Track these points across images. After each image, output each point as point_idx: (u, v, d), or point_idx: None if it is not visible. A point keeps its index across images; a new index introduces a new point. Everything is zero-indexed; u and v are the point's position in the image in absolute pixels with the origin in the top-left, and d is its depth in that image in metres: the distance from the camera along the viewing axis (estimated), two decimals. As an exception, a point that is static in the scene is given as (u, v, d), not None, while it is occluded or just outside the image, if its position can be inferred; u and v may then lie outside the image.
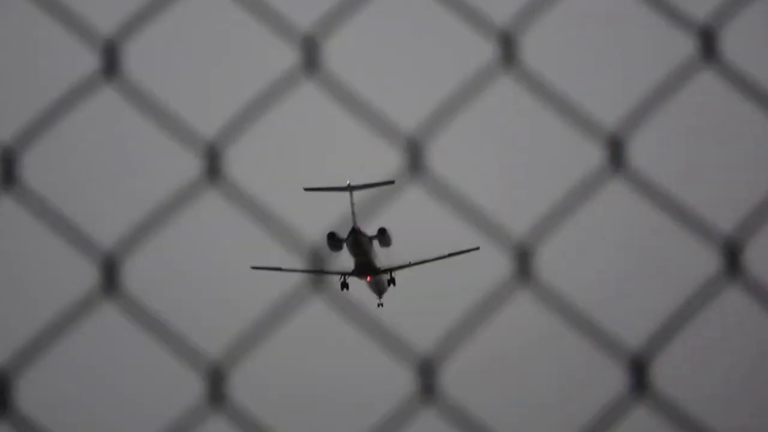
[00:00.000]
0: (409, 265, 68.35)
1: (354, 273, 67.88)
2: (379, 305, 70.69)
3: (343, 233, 64.40)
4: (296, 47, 6.61)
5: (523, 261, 6.47)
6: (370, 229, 64.99)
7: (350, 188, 64.30)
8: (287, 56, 7.33)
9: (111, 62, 6.65)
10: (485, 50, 7.25)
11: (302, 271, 66.67)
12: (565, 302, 6.30)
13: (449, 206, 7.04)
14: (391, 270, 69.11)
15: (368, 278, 69.07)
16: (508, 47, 7.18)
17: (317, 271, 60.33)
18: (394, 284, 69.44)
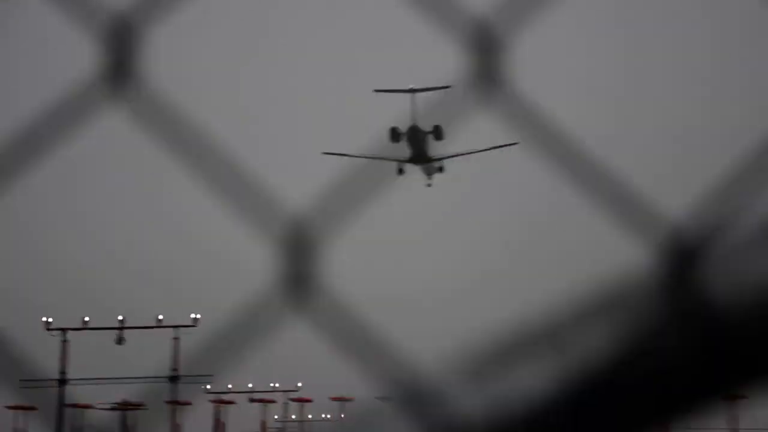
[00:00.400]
0: (456, 155, 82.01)
1: (410, 160, 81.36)
2: (428, 185, 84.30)
3: (403, 126, 78.21)
4: None
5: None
6: (427, 126, 77.97)
7: (412, 90, 78.50)
8: None
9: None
10: None
11: (367, 157, 76.81)
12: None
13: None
14: (441, 159, 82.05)
15: (421, 166, 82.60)
16: None
17: (380, 158, 74.88)
18: (442, 171, 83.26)
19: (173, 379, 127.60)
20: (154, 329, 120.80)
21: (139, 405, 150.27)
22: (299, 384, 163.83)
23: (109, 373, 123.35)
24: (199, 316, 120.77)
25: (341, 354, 4.10)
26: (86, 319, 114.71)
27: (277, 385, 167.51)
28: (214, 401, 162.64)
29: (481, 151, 79.98)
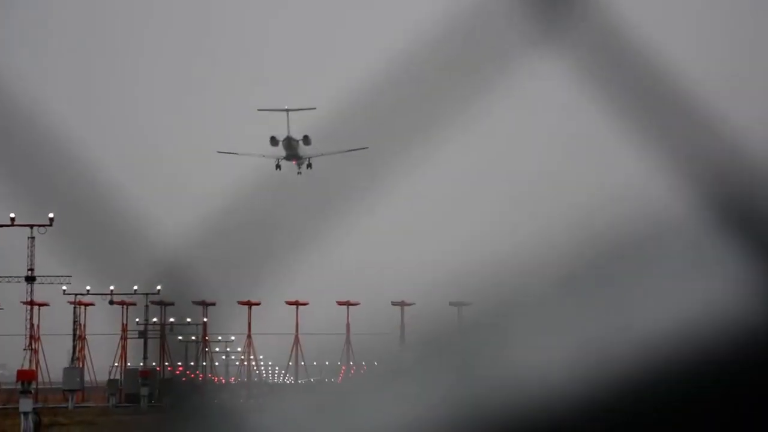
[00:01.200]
0: (321, 155, 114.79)
1: (285, 158, 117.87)
2: (298, 173, 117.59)
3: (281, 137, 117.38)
4: None
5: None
6: (298, 135, 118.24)
7: (287, 110, 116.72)
8: None
9: None
10: None
11: (253, 155, 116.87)
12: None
13: None
14: (309, 158, 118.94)
15: (294, 161, 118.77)
16: None
17: (263, 156, 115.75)
18: (310, 167, 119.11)
19: (29, 279, 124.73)
20: (8, 228, 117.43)
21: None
22: (158, 287, 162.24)
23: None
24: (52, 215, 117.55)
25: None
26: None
27: (136, 288, 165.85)
28: (73, 302, 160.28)
29: (338, 152, 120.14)
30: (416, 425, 3.45)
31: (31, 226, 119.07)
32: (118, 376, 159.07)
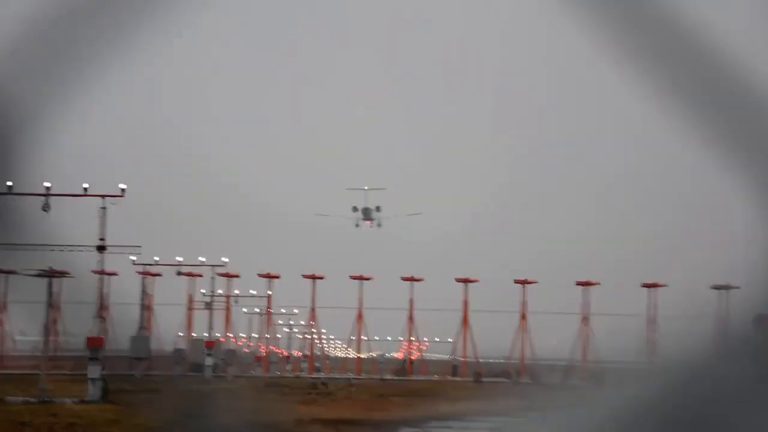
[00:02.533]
0: (386, 218, 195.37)
1: (363, 220, 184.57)
2: (370, 227, 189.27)
3: (360, 206, 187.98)
4: None
5: None
6: (372, 205, 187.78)
7: (365, 189, 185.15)
8: None
9: None
10: None
11: (341, 216, 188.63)
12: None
13: None
14: (379, 219, 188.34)
15: (368, 222, 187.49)
16: None
17: (347, 218, 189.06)
18: (380, 226, 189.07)
19: (100, 248, 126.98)
20: (82, 198, 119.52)
21: (65, 273, 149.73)
22: (225, 259, 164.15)
23: (35, 241, 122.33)
24: (125, 186, 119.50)
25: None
26: (9, 183, 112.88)
27: (203, 259, 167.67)
28: (141, 273, 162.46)
29: (397, 216, 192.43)
30: None
31: (103, 197, 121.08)
32: (183, 346, 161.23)
